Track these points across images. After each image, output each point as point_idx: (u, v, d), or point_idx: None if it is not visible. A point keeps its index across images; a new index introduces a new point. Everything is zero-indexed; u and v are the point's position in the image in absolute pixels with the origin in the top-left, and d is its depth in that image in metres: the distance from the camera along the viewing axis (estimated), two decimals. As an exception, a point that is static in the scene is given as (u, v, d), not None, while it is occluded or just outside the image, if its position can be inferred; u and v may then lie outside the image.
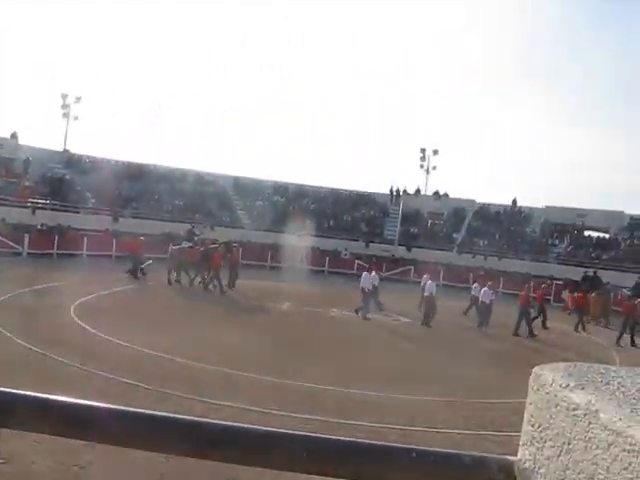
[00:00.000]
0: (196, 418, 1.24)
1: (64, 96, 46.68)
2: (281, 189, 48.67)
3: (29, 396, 1.20)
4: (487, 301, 23.90)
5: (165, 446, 1.23)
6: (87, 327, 15.88)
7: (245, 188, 47.26)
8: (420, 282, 26.38)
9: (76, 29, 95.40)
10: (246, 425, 1.21)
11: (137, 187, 42.18)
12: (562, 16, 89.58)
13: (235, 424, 1.22)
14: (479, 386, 13.89)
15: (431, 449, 1.20)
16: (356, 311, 23.40)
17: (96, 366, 12.21)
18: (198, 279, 26.96)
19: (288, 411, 10.70)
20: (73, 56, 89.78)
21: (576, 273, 36.94)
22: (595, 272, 36.95)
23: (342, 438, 1.20)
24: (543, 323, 24.85)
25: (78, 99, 46.54)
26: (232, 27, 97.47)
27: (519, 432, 1.19)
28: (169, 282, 26.71)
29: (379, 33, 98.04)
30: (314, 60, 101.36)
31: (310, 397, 12.02)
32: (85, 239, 34.08)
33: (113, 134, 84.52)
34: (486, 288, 24.23)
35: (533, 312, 24.51)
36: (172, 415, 1.22)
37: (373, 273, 25.09)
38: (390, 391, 12.73)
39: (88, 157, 43.59)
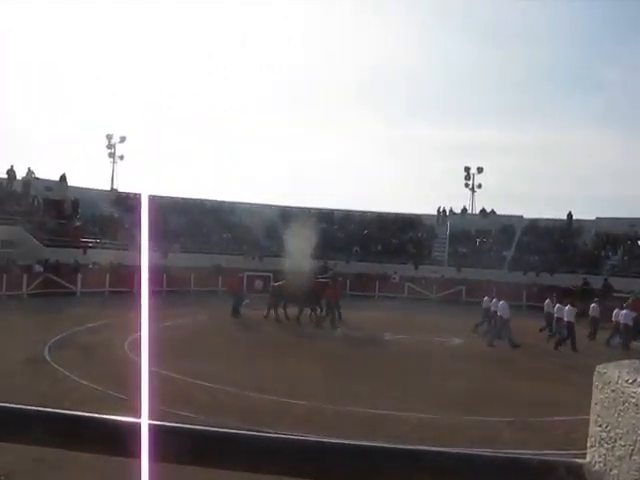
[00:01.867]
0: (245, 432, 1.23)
1: (109, 137, 47.83)
2: (326, 216, 48.74)
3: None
4: (570, 319, 22.78)
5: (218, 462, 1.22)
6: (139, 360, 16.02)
7: (291, 217, 47.55)
8: (481, 303, 25.91)
9: (118, 70, 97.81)
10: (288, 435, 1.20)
11: (184, 221, 42.79)
12: None
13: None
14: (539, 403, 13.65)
15: (499, 454, 1.18)
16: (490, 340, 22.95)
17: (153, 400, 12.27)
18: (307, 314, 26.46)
19: (344, 438, 10.61)
20: (115, 95, 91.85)
21: (633, 284, 35.99)
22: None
23: (410, 447, 1.18)
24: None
25: (123, 139, 47.66)
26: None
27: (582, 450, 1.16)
28: (266, 317, 26.41)
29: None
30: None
31: (368, 424, 11.93)
32: (135, 276, 34.61)
33: (159, 171, 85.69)
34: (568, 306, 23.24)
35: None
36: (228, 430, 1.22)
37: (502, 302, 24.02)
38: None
39: (135, 195, 44.38)
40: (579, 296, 30.23)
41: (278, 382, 14.79)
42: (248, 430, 1.21)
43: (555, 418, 12.40)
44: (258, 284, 37.85)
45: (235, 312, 27.12)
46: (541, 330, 24.92)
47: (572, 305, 23.18)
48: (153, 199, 37.37)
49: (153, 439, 1.13)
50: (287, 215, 47.63)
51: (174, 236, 41.03)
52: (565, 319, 22.87)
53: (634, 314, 23.51)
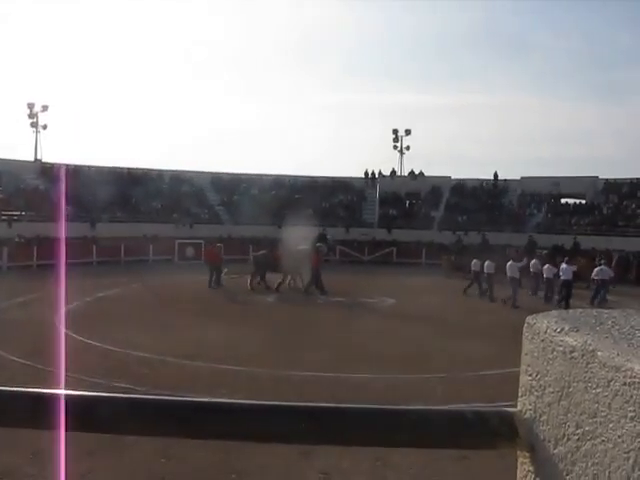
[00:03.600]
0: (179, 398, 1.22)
1: (30, 105, 46.15)
2: (256, 181, 48.43)
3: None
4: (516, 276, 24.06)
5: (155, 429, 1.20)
6: (71, 334, 15.75)
7: (222, 184, 47.11)
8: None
9: (37, 38, 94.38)
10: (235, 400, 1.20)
11: (112, 191, 41.86)
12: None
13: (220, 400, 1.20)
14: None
15: (434, 408, 1.20)
16: (503, 300, 23.24)
17: (83, 372, 12.10)
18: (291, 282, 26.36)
19: (282, 401, 10.68)
20: (36, 62, 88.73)
21: (557, 241, 37.09)
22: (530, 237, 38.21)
23: (350, 405, 1.18)
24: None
25: (45, 108, 46.06)
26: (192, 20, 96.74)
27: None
28: (252, 288, 25.87)
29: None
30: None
31: (306, 385, 12.03)
32: (64, 248, 33.73)
33: (84, 141, 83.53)
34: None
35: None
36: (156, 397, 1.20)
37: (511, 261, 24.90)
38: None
39: (60, 165, 43.14)
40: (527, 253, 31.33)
41: (216, 349, 14.76)
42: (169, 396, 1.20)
43: (489, 372, 12.73)
44: (189, 252, 37.53)
45: (217, 283, 26.53)
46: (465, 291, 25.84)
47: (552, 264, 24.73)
48: (80, 169, 36.48)
49: (73, 410, 1.10)
50: (217, 182, 47.20)
51: (103, 206, 40.13)
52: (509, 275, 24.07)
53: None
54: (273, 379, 12.51)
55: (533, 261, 26.30)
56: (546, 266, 24.84)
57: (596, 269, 24.62)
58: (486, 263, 25.17)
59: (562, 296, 23.36)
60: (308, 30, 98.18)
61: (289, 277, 26.30)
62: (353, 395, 11.22)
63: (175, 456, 8.14)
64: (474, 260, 26.35)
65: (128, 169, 45.00)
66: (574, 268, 24.08)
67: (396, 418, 1.14)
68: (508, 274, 24.07)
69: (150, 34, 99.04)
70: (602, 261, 25.95)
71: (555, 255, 30.56)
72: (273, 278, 25.78)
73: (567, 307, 21.12)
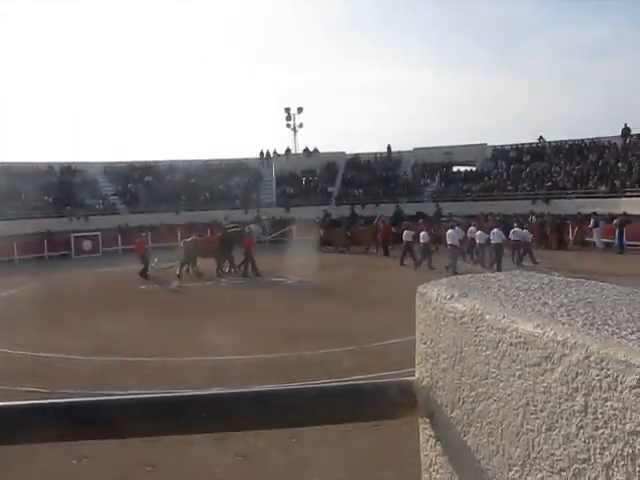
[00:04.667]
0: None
1: None
2: (152, 169, 47.38)
3: None
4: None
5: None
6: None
7: (116, 173, 45.88)
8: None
9: None
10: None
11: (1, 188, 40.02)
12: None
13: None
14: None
15: (332, 384, 1.21)
16: (446, 267, 23.67)
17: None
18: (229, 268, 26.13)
19: (192, 389, 10.60)
20: None
21: (451, 208, 38.16)
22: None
23: (244, 389, 1.18)
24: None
25: None
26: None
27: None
28: (179, 276, 25.25)
29: None
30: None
31: (216, 369, 11.98)
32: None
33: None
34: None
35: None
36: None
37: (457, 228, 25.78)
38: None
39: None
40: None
41: (123, 342, 14.44)
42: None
43: (392, 341, 12.99)
44: (87, 245, 36.49)
45: (143, 273, 25.67)
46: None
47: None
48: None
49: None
50: (111, 171, 45.92)
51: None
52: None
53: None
54: (182, 367, 12.40)
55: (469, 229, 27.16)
56: (478, 232, 25.73)
57: (511, 230, 25.91)
58: (422, 234, 25.91)
59: (494, 259, 24.53)
60: (193, 6, 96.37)
61: (226, 263, 26.18)
62: (263, 376, 11.26)
63: (87, 456, 7.96)
64: (406, 231, 27.29)
65: (15, 164, 43.01)
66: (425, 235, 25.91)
67: (297, 397, 1.14)
68: (448, 242, 25.09)
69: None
70: (515, 224, 27.19)
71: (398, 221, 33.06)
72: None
73: (499, 269, 22.16)
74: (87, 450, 7.81)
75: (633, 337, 0.82)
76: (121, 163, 46.87)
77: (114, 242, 37.08)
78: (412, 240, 26.73)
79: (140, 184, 45.15)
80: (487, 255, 25.22)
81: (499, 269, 22.39)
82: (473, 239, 26.25)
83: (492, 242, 24.68)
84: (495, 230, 24.74)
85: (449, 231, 25.54)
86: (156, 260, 26.70)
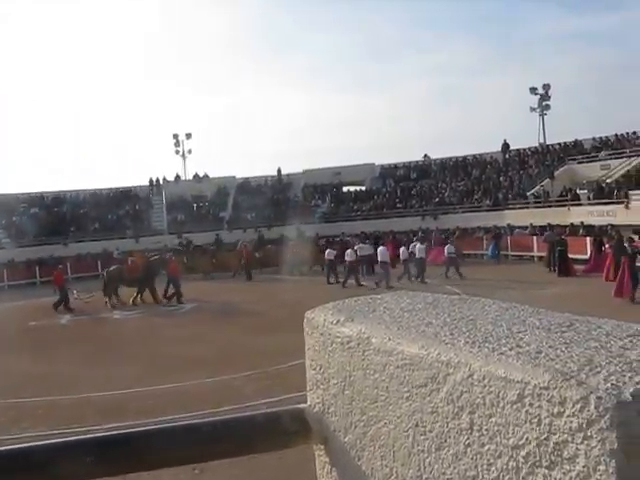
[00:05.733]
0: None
1: None
2: (37, 200, 45.62)
3: None
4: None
5: None
6: None
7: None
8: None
9: None
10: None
11: None
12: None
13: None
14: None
15: (223, 417, 1.19)
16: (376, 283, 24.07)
17: None
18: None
19: (87, 424, 10.20)
20: None
21: (339, 229, 38.64)
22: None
23: (130, 430, 1.14)
24: None
25: None
26: None
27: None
28: (113, 307, 24.22)
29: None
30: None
31: (113, 404, 11.59)
32: None
33: None
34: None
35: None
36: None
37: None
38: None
39: None
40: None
41: (10, 383, 13.72)
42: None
43: (292, 363, 12.94)
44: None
45: (60, 304, 24.39)
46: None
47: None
48: None
49: None
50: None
51: None
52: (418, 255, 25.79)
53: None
54: (77, 404, 11.93)
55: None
56: (418, 246, 26.29)
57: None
58: (417, 246, 26.11)
59: (418, 272, 25.45)
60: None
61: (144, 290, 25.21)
62: (161, 408, 10.98)
63: None
64: (328, 250, 28.12)
65: None
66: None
67: (188, 433, 1.11)
68: (413, 256, 25.77)
69: None
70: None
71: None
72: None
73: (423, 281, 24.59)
74: None
75: (512, 353, 0.85)
76: (4, 195, 44.87)
77: (0, 277, 35.36)
78: (334, 259, 27.11)
79: (26, 216, 43.43)
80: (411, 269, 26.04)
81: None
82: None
83: (416, 257, 25.72)
84: (419, 246, 25.90)
85: (380, 248, 26.15)
86: (75, 292, 25.79)
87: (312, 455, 1.28)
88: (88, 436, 1.14)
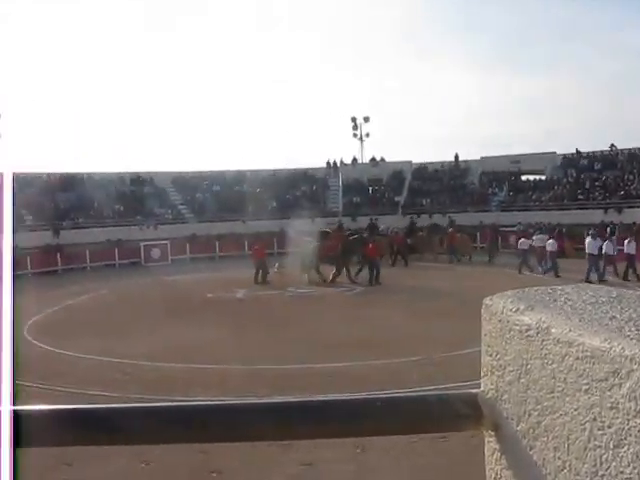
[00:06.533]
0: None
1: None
2: (219, 178, 48.02)
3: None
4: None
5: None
6: (42, 345, 15.58)
7: (184, 183, 46.68)
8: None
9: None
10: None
11: (73, 198, 41.26)
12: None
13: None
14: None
15: (396, 395, 1.22)
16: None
17: (57, 382, 11.99)
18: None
19: (259, 395, 10.68)
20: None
21: (514, 219, 37.46)
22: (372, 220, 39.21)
23: (308, 398, 1.20)
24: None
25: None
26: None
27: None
28: (312, 282, 25.28)
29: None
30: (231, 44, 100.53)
31: (279, 378, 12.05)
32: (28, 258, 32.95)
33: (38, 148, 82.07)
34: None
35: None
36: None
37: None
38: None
39: (16, 174, 42.16)
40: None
41: (188, 349, 14.69)
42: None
43: (458, 352, 12.83)
44: (156, 253, 37.22)
45: (263, 279, 26.02)
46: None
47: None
48: (38, 177, 35.48)
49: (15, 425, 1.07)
50: (179, 181, 46.75)
51: (64, 213, 39.58)
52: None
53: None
54: (246, 375, 12.51)
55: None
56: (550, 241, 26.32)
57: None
58: (549, 241, 26.30)
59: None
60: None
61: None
62: (326, 386, 11.28)
63: (154, 460, 8.09)
64: (522, 239, 27.81)
65: (87, 174, 44.23)
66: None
67: (361, 407, 1.15)
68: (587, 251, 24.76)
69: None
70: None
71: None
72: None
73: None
74: (153, 455, 7.95)
75: None
76: (189, 173, 47.70)
77: (183, 250, 37.78)
78: (527, 248, 27.14)
79: (208, 193, 45.86)
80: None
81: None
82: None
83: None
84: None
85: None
86: (277, 265, 26.57)
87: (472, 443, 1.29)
88: (267, 400, 1.21)
